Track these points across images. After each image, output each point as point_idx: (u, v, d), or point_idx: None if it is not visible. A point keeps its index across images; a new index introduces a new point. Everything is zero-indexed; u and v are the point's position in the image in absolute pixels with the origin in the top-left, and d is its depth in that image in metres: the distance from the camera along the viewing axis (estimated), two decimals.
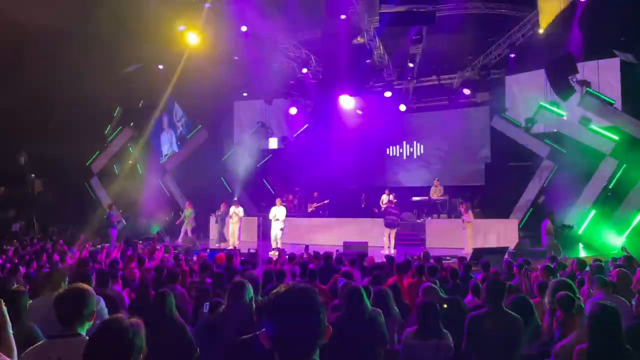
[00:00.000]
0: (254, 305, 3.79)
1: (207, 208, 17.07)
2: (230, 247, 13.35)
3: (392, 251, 12.52)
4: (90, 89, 14.84)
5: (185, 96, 18.40)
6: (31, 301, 3.71)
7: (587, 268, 6.48)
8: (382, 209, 15.45)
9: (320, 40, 16.05)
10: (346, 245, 12.08)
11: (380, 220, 13.82)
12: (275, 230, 13.28)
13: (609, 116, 13.40)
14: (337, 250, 10.18)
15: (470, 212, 12.94)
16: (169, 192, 18.46)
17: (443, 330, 3.74)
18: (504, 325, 3.70)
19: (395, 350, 3.82)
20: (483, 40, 15.50)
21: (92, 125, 17.19)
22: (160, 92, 17.59)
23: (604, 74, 13.84)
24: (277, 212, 13.33)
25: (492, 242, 11.47)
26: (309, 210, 17.08)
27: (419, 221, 15.15)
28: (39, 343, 2.65)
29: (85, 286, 2.75)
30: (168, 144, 19.58)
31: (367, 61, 16.28)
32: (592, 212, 13.25)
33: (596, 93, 13.32)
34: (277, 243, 13.08)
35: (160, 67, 16.76)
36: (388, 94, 17.08)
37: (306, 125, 19.62)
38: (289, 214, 14.36)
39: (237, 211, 14.29)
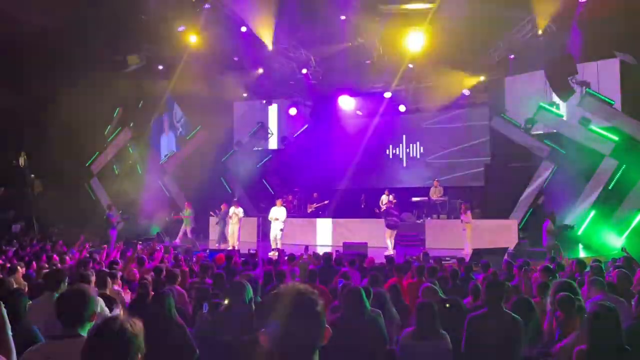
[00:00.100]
0: (253, 306, 3.80)
1: (207, 209, 17.07)
2: (229, 248, 13.36)
3: (392, 252, 12.52)
4: (90, 89, 14.85)
5: (185, 97, 18.41)
6: (30, 302, 3.71)
7: (587, 269, 6.48)
8: (382, 209, 15.46)
9: (320, 40, 16.04)
10: (346, 245, 12.08)
11: (381, 221, 13.83)
12: (275, 231, 13.28)
13: (608, 117, 13.41)
14: (337, 251, 10.19)
15: (469, 212, 12.94)
16: (168, 192, 18.46)
17: (441, 331, 3.73)
18: (503, 326, 3.70)
19: (393, 351, 3.82)
20: (483, 41, 15.48)
21: (92, 126, 17.16)
22: (160, 93, 17.60)
23: (604, 75, 13.84)
24: (277, 213, 13.33)
25: (491, 243, 11.45)
26: (309, 210, 17.08)
27: (418, 222, 15.14)
28: (39, 344, 2.65)
29: (87, 287, 2.76)
30: (168, 145, 19.58)
31: (367, 62, 16.28)
32: (592, 213, 13.25)
33: (596, 94, 13.32)
34: (276, 243, 13.08)
35: (160, 67, 16.77)
36: (388, 94, 17.08)
37: (306, 126, 19.63)
38: (288, 215, 14.37)
39: (236, 212, 14.30)
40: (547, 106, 14.38)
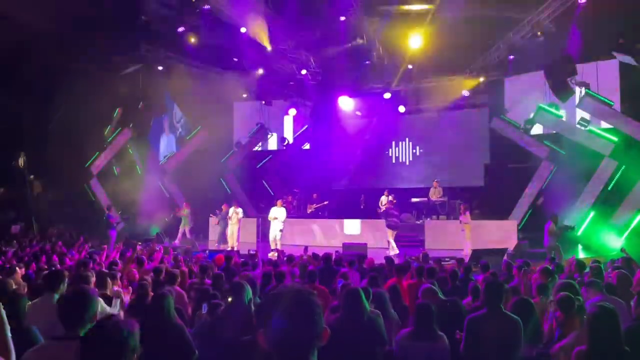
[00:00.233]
0: (252, 307, 3.80)
1: (206, 209, 17.06)
2: (229, 248, 13.36)
3: (397, 251, 12.51)
4: (90, 90, 14.85)
5: (184, 97, 18.41)
6: (30, 303, 3.70)
7: (587, 269, 6.49)
8: (382, 210, 15.47)
9: (320, 41, 16.05)
10: (345, 246, 12.08)
11: (381, 222, 13.83)
12: (275, 232, 13.28)
13: (607, 117, 13.43)
14: (337, 252, 10.19)
15: (467, 213, 12.94)
16: (168, 193, 18.46)
17: (438, 332, 3.73)
18: (503, 326, 3.70)
19: (392, 352, 3.82)
20: (482, 42, 15.50)
21: (92, 126, 17.17)
22: (160, 93, 17.61)
23: (603, 76, 13.86)
24: (277, 213, 13.34)
25: (491, 243, 11.46)
26: (309, 211, 17.09)
27: (418, 222, 15.15)
28: (40, 344, 2.65)
29: (88, 288, 2.76)
30: (167, 145, 19.58)
31: (367, 62, 16.29)
32: (591, 214, 13.26)
33: (595, 94, 13.34)
34: (276, 244, 13.08)
35: (160, 68, 16.78)
36: (387, 95, 17.09)
37: (305, 127, 19.64)
38: (288, 215, 14.38)
39: (236, 212, 14.31)
40: (546, 107, 14.40)
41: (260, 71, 16.62)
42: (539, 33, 13.32)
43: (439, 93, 17.32)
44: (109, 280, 5.04)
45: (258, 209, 17.93)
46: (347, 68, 16.31)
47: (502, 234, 13.16)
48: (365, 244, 12.25)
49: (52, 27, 11.93)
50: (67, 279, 4.10)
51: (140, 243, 12.61)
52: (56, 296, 3.79)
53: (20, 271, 6.51)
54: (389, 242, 13.21)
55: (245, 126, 20.02)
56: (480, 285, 5.23)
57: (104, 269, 6.22)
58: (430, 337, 3.68)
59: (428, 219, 15.09)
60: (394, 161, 18.95)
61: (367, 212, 16.71)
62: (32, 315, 3.48)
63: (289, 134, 19.93)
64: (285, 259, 8.65)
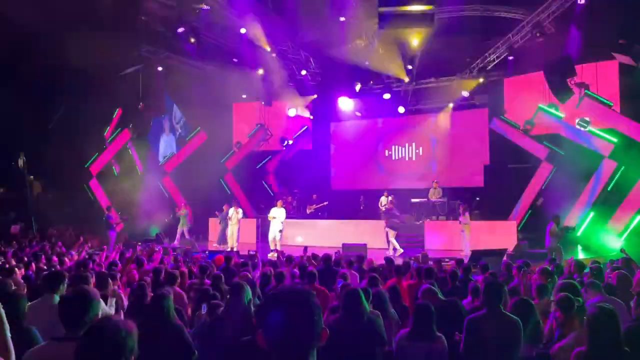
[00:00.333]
0: (252, 307, 3.80)
1: (206, 210, 17.06)
2: (228, 249, 13.37)
3: (391, 252, 12.52)
4: (90, 90, 14.85)
5: (184, 98, 18.42)
6: (30, 303, 3.70)
7: (587, 270, 6.50)
8: (382, 210, 15.48)
9: (320, 42, 16.06)
10: (345, 247, 12.08)
11: (381, 222, 13.84)
12: (274, 232, 13.28)
13: (607, 118, 13.43)
14: (336, 252, 10.19)
15: (467, 214, 12.95)
16: (167, 193, 18.46)
17: (436, 333, 3.73)
18: (502, 327, 3.70)
19: (391, 352, 3.82)
20: (482, 43, 15.52)
21: (91, 127, 17.17)
22: (160, 94, 17.60)
23: (603, 76, 13.87)
24: (277, 214, 13.34)
25: (490, 244, 11.47)
26: (308, 212, 17.10)
27: (417, 223, 15.16)
28: (40, 345, 2.65)
29: (89, 289, 2.75)
30: (167, 146, 19.57)
31: (366, 63, 16.30)
32: (591, 214, 13.27)
33: (594, 95, 13.35)
34: (275, 245, 13.09)
35: (160, 68, 16.78)
36: (387, 96, 17.10)
37: (305, 127, 19.63)
38: (288, 216, 14.39)
39: (236, 213, 14.31)
40: (546, 108, 14.41)
41: (260, 71, 16.62)
42: (538, 34, 13.35)
43: (439, 93, 17.33)
44: (110, 281, 5.04)
45: (258, 209, 17.93)
46: (347, 69, 16.32)
47: (501, 234, 13.17)
48: (365, 245, 12.25)
49: (52, 27, 11.91)
50: (66, 280, 4.10)
51: (139, 243, 12.61)
52: (56, 297, 3.79)
53: (19, 271, 6.51)
54: (389, 242, 13.20)
55: (244, 127, 20.02)
56: (480, 285, 5.24)
57: (103, 270, 6.22)
58: (429, 338, 3.68)
59: (428, 219, 15.10)
60: (393, 162, 18.95)
61: (367, 212, 16.72)
62: (32, 315, 3.48)
63: (288, 135, 19.93)
64: (284, 259, 8.64)
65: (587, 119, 13.52)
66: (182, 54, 16.29)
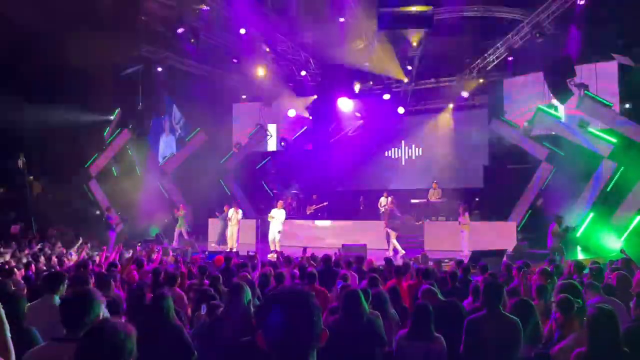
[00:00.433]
0: (252, 308, 3.80)
1: (205, 210, 17.06)
2: (228, 249, 13.37)
3: (391, 253, 12.51)
4: (90, 90, 14.84)
5: (184, 98, 18.42)
6: (29, 304, 3.70)
7: (587, 271, 6.50)
8: (381, 211, 15.48)
9: (319, 42, 16.07)
10: (345, 247, 12.06)
11: (380, 223, 13.82)
12: (273, 233, 13.28)
13: (607, 119, 13.44)
14: (335, 253, 10.19)
15: (466, 214, 12.95)
16: (167, 194, 18.45)
17: (435, 334, 3.72)
18: (502, 327, 3.70)
19: (391, 353, 3.82)
20: (481, 43, 15.53)
21: (91, 127, 17.17)
22: (159, 94, 17.60)
23: (602, 77, 13.88)
24: (277, 214, 13.34)
25: (490, 245, 11.46)
26: (308, 212, 17.09)
27: (417, 223, 15.15)
28: (40, 345, 2.65)
29: (92, 290, 2.75)
30: (167, 146, 19.58)
31: (366, 64, 16.31)
32: (591, 215, 13.27)
33: (594, 96, 13.35)
34: (275, 245, 13.09)
35: (159, 69, 16.78)
36: (387, 96, 17.10)
37: (305, 128, 19.64)
38: (288, 216, 14.39)
39: (236, 213, 14.31)
40: (545, 108, 14.42)
41: (260, 72, 16.64)
42: (538, 34, 13.36)
43: (439, 94, 17.35)
44: (112, 283, 5.05)
45: (258, 210, 17.92)
46: (347, 69, 16.33)
47: (501, 235, 13.16)
48: (365, 245, 12.24)
49: (52, 27, 11.91)
50: (66, 280, 4.10)
51: (139, 244, 12.62)
52: (56, 297, 3.79)
53: (19, 272, 6.51)
54: (389, 243, 13.19)
55: (244, 127, 20.02)
56: (480, 286, 5.24)
57: (103, 270, 6.22)
58: (427, 338, 3.67)
59: (427, 220, 15.10)
60: (393, 162, 18.95)
61: (367, 213, 16.71)
62: (32, 316, 3.48)
63: (288, 135, 19.93)
64: (283, 260, 8.64)
65: (587, 119, 13.53)
66: (182, 55, 16.30)
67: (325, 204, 17.10)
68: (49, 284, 3.92)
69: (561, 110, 14.51)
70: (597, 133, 13.49)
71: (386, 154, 19.01)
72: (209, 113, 18.28)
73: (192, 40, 14.35)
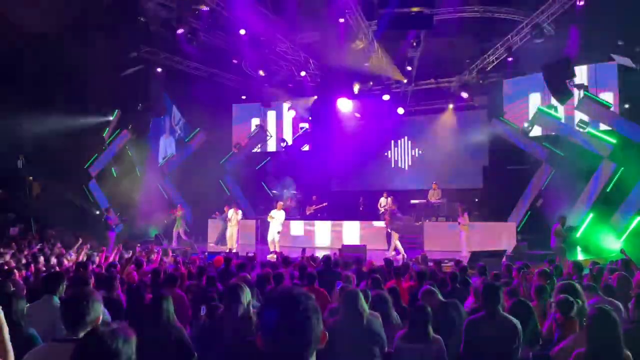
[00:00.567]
0: (252, 309, 3.79)
1: (205, 211, 17.06)
2: (227, 250, 13.37)
3: (392, 254, 12.51)
4: (89, 91, 14.85)
5: (183, 99, 18.43)
6: (28, 305, 3.70)
7: (587, 271, 6.50)
8: (380, 212, 15.49)
9: (319, 43, 16.07)
10: (344, 248, 12.07)
11: (380, 223, 13.82)
12: (273, 234, 13.28)
13: (606, 119, 13.45)
14: (334, 253, 10.19)
15: (466, 215, 12.95)
16: (167, 195, 18.44)
17: (432, 335, 3.71)
18: (501, 328, 3.70)
19: (390, 354, 3.82)
20: (481, 44, 15.54)
21: (91, 128, 17.17)
22: (159, 95, 17.60)
23: (602, 78, 13.89)
24: (276, 215, 13.34)
25: (490, 245, 11.47)
26: (308, 213, 17.09)
27: (417, 224, 15.16)
28: (40, 346, 2.65)
29: (91, 291, 2.75)
30: (167, 147, 19.58)
31: (366, 64, 16.30)
32: (590, 215, 13.27)
33: (594, 96, 13.36)
34: (275, 246, 13.08)
35: (159, 69, 16.77)
36: (386, 97, 17.11)
37: (305, 128, 19.64)
38: (287, 217, 14.39)
39: (236, 214, 14.30)
40: (545, 109, 14.43)
41: (260, 73, 16.64)
42: (537, 35, 13.36)
43: (438, 95, 17.35)
44: (116, 283, 5.05)
45: (257, 210, 17.92)
46: (346, 70, 16.33)
47: (501, 235, 13.16)
48: (364, 246, 12.24)
49: (52, 28, 11.92)
50: (65, 281, 4.09)
51: (139, 244, 12.61)
52: (55, 298, 3.78)
53: (18, 273, 6.50)
54: (389, 243, 13.19)
55: (244, 128, 20.03)
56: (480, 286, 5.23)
57: (103, 271, 6.22)
58: (424, 339, 3.66)
59: (427, 220, 15.10)
60: (392, 163, 18.96)
61: (367, 213, 16.72)
62: (31, 317, 3.48)
63: (288, 136, 19.94)
64: (281, 260, 8.63)
65: (586, 120, 13.54)
66: (182, 55, 16.30)
67: (324, 204, 17.10)
68: (48, 285, 3.91)
69: (561, 111, 14.52)
70: (597, 134, 13.50)
71: (386, 155, 19.01)
72: (208, 114, 18.28)
73: (192, 41, 14.34)
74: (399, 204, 15.38)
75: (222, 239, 14.72)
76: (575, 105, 13.57)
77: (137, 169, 17.95)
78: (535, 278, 5.81)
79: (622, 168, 12.90)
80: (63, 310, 2.59)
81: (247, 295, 3.78)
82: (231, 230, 14.21)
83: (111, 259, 8.35)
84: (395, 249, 12.93)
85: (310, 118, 19.05)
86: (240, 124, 20.33)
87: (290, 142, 19.64)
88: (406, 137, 18.69)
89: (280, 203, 13.97)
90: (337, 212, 16.78)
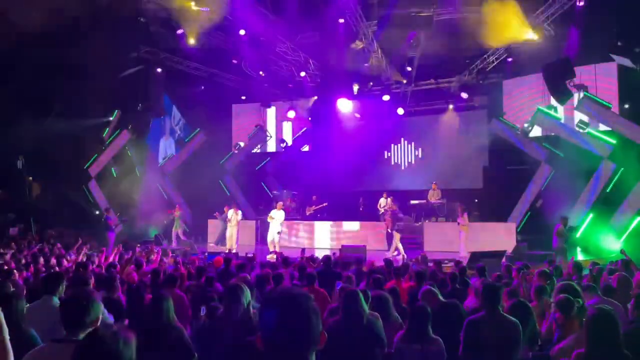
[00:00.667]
0: (252, 309, 3.79)
1: (205, 211, 17.04)
2: (226, 251, 13.36)
3: (393, 254, 12.49)
4: (89, 91, 14.83)
5: (183, 99, 18.43)
6: (28, 305, 3.69)
7: (587, 272, 6.50)
8: (380, 212, 15.48)
9: (319, 44, 16.08)
10: (344, 248, 12.06)
11: (380, 224, 13.82)
12: (273, 235, 13.27)
13: (606, 120, 13.45)
14: (333, 254, 10.19)
15: (465, 215, 12.94)
16: (167, 195, 18.44)
17: (431, 335, 3.71)
18: (501, 328, 3.70)
19: (390, 354, 3.82)
20: (481, 44, 15.52)
21: (91, 128, 17.17)
22: (159, 95, 17.60)
23: (601, 78, 13.89)
24: (276, 215, 13.34)
25: (489, 246, 11.46)
26: (308, 213, 17.08)
27: (417, 224, 15.16)
28: (39, 346, 2.64)
29: (91, 291, 2.74)
30: (167, 147, 19.58)
31: (365, 65, 16.31)
32: (590, 216, 13.27)
33: (593, 97, 13.36)
34: (275, 246, 13.08)
35: (159, 70, 16.78)
36: (386, 97, 17.11)
37: (304, 129, 19.65)
38: (287, 217, 14.38)
39: (236, 214, 14.30)
40: (545, 109, 14.42)
41: (260, 73, 16.64)
42: (537, 36, 13.36)
43: (438, 95, 17.35)
44: (118, 285, 5.05)
45: (257, 211, 17.92)
46: (346, 70, 16.33)
47: (500, 236, 13.16)
48: (364, 246, 12.24)
49: (51, 28, 11.91)
50: (65, 281, 4.09)
51: (138, 245, 12.60)
52: (55, 298, 3.78)
53: (18, 273, 6.50)
54: (389, 244, 13.18)
55: (244, 128, 20.03)
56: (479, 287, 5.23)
57: (102, 271, 6.21)
58: (424, 340, 3.66)
59: (427, 221, 15.10)
60: (392, 163, 18.97)
61: (366, 214, 16.71)
62: (31, 317, 3.47)
63: (287, 136, 19.94)
64: (281, 261, 8.63)
65: (586, 120, 13.54)
66: (182, 56, 16.30)
67: (324, 204, 17.09)
68: (48, 285, 3.91)
69: (560, 111, 14.52)
70: (597, 134, 13.50)
71: (386, 155, 19.01)
72: (208, 114, 18.29)
73: (192, 41, 14.35)
74: (399, 204, 15.37)
75: (222, 240, 14.71)
76: (575, 106, 13.57)
77: (137, 169, 17.94)
78: (535, 278, 5.81)
79: (622, 168, 12.90)
80: (62, 310, 2.58)
81: (247, 296, 3.77)
82: (231, 231, 14.21)
83: (111, 259, 8.35)
84: (397, 250, 12.93)
85: (310, 118, 19.05)
86: (239, 124, 20.33)
87: (290, 143, 19.64)
88: (406, 138, 18.69)
89: (280, 203, 13.96)
90: (337, 212, 16.78)
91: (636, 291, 5.14)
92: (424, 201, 15.81)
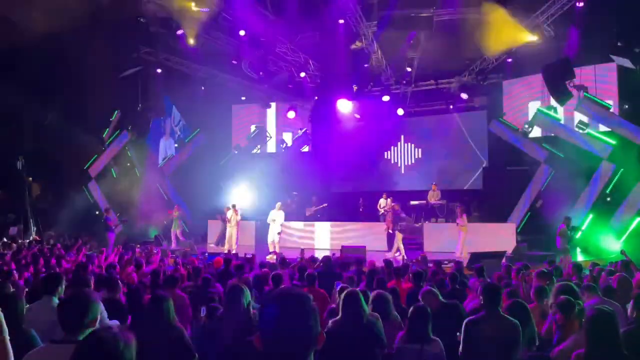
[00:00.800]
0: (251, 310, 3.80)
1: (205, 212, 17.03)
2: (226, 251, 13.36)
3: (395, 254, 12.48)
4: (89, 92, 14.84)
5: (183, 100, 18.41)
6: (28, 305, 3.69)
7: (587, 272, 6.50)
8: (380, 212, 15.48)
9: (319, 44, 16.09)
10: (344, 249, 12.06)
11: (380, 224, 13.81)
12: (273, 235, 13.27)
13: (606, 121, 13.46)
14: (333, 254, 10.19)
15: (464, 215, 12.93)
16: (166, 195, 18.43)
17: (431, 336, 3.71)
18: (501, 329, 3.70)
19: (390, 354, 3.82)
20: (481, 45, 15.52)
21: (91, 128, 17.17)
22: (159, 96, 17.60)
23: (601, 79, 13.89)
24: (276, 216, 13.33)
25: (489, 246, 11.46)
26: (308, 214, 17.07)
27: (416, 225, 15.15)
28: (38, 347, 2.64)
29: (89, 292, 2.74)
30: (167, 148, 19.57)
31: (365, 65, 16.32)
32: (590, 216, 13.27)
33: (593, 98, 13.37)
34: (274, 247, 13.08)
35: (159, 70, 16.77)
36: (386, 98, 17.11)
37: (304, 129, 19.64)
38: (287, 218, 14.37)
39: (235, 215, 14.29)
40: (544, 110, 14.43)
41: (260, 74, 16.64)
42: (537, 36, 13.37)
43: (438, 96, 17.36)
44: (117, 284, 5.05)
45: (257, 211, 17.89)
46: (346, 71, 16.34)
47: (500, 236, 13.15)
48: (364, 247, 12.23)
49: (51, 29, 11.92)
50: (65, 282, 4.09)
51: (138, 245, 12.60)
52: (54, 299, 3.77)
53: (18, 274, 6.49)
54: (390, 244, 13.18)
55: (243, 129, 20.02)
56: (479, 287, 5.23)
57: (102, 272, 6.21)
58: (423, 340, 3.66)
59: (427, 221, 15.09)
60: (392, 164, 18.97)
61: (366, 214, 16.71)
62: (31, 318, 3.47)
63: (287, 137, 19.93)
64: (280, 261, 8.63)
65: (586, 121, 13.54)
66: (182, 56, 16.30)
67: (324, 205, 17.09)
68: (48, 286, 3.91)
69: (560, 112, 14.52)
70: (596, 135, 13.50)
71: (385, 156, 19.01)
72: (208, 114, 18.28)
73: (192, 41, 14.35)
74: (399, 205, 15.36)
75: (221, 240, 14.70)
76: (574, 106, 13.58)
77: (137, 170, 17.93)
78: (534, 279, 5.81)
79: (622, 169, 12.90)
80: (60, 311, 2.58)
81: (246, 296, 3.78)
82: (230, 231, 14.20)
83: (111, 260, 8.35)
84: (398, 250, 12.92)
85: (310, 119, 19.05)
86: (239, 124, 20.31)
87: (289, 143, 19.63)
88: (406, 138, 18.69)
89: (279, 204, 13.96)
90: (337, 213, 16.77)
91: (636, 292, 5.14)
92: (424, 202, 15.81)
